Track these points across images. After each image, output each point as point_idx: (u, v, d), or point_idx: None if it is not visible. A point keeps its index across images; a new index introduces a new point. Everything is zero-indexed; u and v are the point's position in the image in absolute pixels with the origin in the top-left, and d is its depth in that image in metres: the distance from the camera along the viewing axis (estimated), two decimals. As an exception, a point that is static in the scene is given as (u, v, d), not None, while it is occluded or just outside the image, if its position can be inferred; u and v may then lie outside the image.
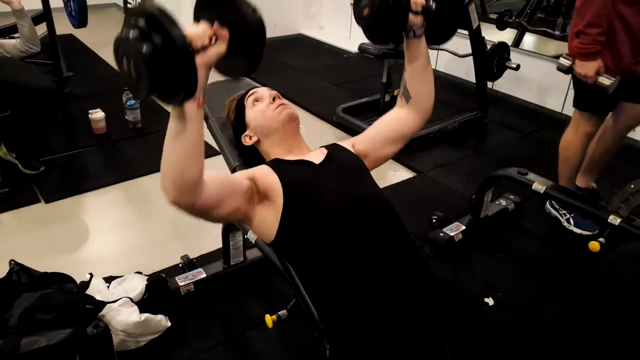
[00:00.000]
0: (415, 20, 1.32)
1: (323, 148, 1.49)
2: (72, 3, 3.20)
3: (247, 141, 1.53)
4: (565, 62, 2.19)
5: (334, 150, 1.48)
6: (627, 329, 1.99)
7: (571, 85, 3.79)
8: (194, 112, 1.00)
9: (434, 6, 1.33)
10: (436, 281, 1.31)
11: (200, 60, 0.95)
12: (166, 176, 1.06)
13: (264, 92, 1.54)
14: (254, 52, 1.01)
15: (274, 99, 1.51)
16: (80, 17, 3.21)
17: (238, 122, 1.55)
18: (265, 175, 1.32)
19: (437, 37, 1.45)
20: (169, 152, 1.04)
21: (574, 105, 2.38)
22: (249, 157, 1.58)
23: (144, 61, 0.84)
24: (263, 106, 1.50)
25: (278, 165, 1.37)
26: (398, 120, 1.51)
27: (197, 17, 1.02)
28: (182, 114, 0.99)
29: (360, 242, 1.26)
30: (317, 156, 1.43)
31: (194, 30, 0.96)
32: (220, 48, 0.99)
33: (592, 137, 2.41)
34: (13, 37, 3.21)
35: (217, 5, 0.99)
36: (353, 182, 1.38)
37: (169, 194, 1.07)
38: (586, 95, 2.29)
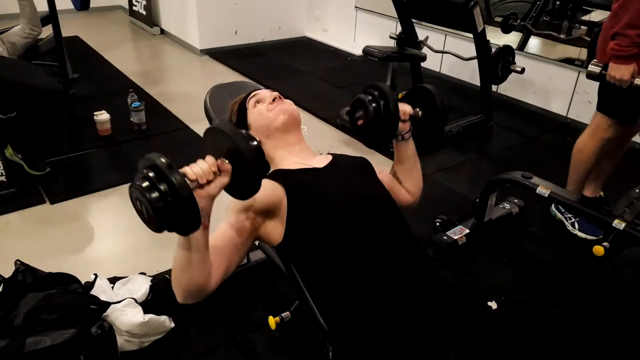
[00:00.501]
0: (403, 126, 1.47)
1: (329, 155, 1.50)
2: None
3: None
4: (595, 68, 2.14)
5: (339, 156, 1.51)
6: (631, 334, 1.98)
7: (576, 89, 3.82)
8: (200, 233, 1.07)
9: (420, 114, 1.48)
10: (440, 283, 1.31)
11: (205, 193, 1.05)
12: (175, 283, 1.16)
13: (265, 93, 1.55)
14: (254, 179, 1.12)
15: (274, 100, 1.51)
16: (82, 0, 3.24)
17: (240, 124, 1.56)
18: (265, 193, 1.28)
19: (424, 140, 1.58)
20: (177, 264, 1.13)
21: (597, 109, 2.33)
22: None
23: (151, 207, 0.96)
24: (264, 107, 1.51)
25: (280, 176, 1.37)
26: (392, 186, 1.59)
27: (204, 150, 1.13)
28: (188, 243, 1.08)
29: (364, 241, 1.27)
30: (321, 161, 1.44)
31: (200, 167, 1.05)
32: (223, 181, 1.09)
33: (609, 144, 2.35)
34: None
35: (219, 140, 1.11)
36: (357, 182, 1.39)
37: (178, 297, 1.17)
38: (614, 101, 2.24)
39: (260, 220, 1.30)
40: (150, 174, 0.98)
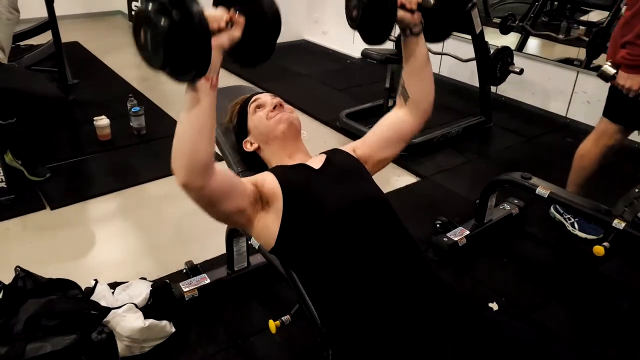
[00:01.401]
0: (412, 18, 1.31)
1: (322, 154, 1.49)
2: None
3: (248, 147, 1.53)
4: (609, 70, 2.09)
5: (333, 154, 1.48)
6: (632, 334, 1.98)
7: (575, 90, 3.82)
8: (207, 90, 1.04)
9: (432, 2, 1.30)
10: (438, 284, 1.31)
11: (214, 42, 0.98)
12: (178, 155, 1.09)
13: (266, 99, 1.54)
14: (268, 43, 1.06)
15: (274, 107, 1.51)
16: None
17: (240, 128, 1.56)
18: (267, 181, 1.33)
19: (434, 34, 1.42)
20: (183, 125, 1.08)
21: (603, 115, 2.29)
22: (251, 162, 1.58)
23: (161, 34, 0.87)
24: (264, 114, 1.50)
25: (279, 171, 1.38)
26: (397, 122, 1.49)
27: (217, 3, 1.06)
28: (196, 94, 1.03)
29: (361, 243, 1.26)
30: (316, 162, 1.44)
31: (212, 12, 0.99)
32: (235, 33, 1.03)
33: (612, 150, 2.32)
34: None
35: None
36: (353, 185, 1.38)
37: (179, 175, 1.10)
38: (622, 107, 2.20)
39: (260, 204, 1.30)
40: (164, 0, 0.90)
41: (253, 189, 1.29)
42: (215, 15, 1.01)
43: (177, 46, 0.88)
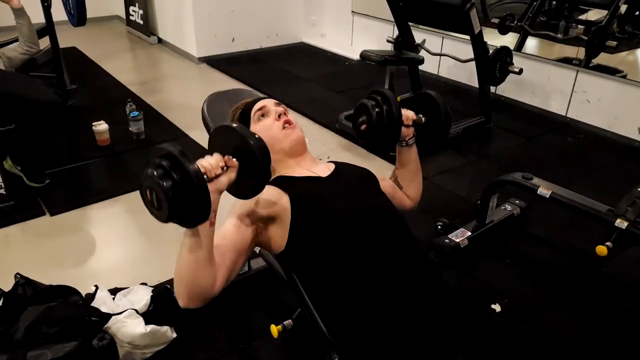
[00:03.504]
0: (406, 132, 1.51)
1: (331, 163, 1.49)
2: (70, 1, 3.19)
3: None
4: None
5: (341, 165, 1.50)
6: (636, 334, 1.97)
7: (575, 89, 3.81)
8: (206, 230, 1.10)
9: (423, 120, 1.53)
10: (446, 289, 1.30)
11: (213, 187, 1.07)
12: (180, 285, 1.14)
13: (270, 106, 1.52)
14: (261, 176, 1.15)
15: (279, 116, 1.49)
16: (79, 16, 3.19)
17: None
18: (269, 198, 1.30)
19: (427, 145, 1.63)
20: (182, 264, 1.12)
21: None
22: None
23: (164, 194, 0.97)
24: (269, 123, 1.48)
25: (284, 183, 1.35)
26: (394, 193, 1.61)
27: (211, 149, 1.17)
28: (196, 232, 1.09)
29: (368, 251, 1.26)
30: (324, 170, 1.43)
31: (208, 162, 1.09)
32: (230, 176, 1.12)
33: None
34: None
35: (227, 138, 1.15)
36: (361, 193, 1.38)
37: (181, 300, 1.15)
38: None
39: (262, 225, 1.29)
40: (164, 163, 1.00)
41: (251, 226, 1.28)
42: (212, 164, 1.09)
43: (179, 201, 0.98)
